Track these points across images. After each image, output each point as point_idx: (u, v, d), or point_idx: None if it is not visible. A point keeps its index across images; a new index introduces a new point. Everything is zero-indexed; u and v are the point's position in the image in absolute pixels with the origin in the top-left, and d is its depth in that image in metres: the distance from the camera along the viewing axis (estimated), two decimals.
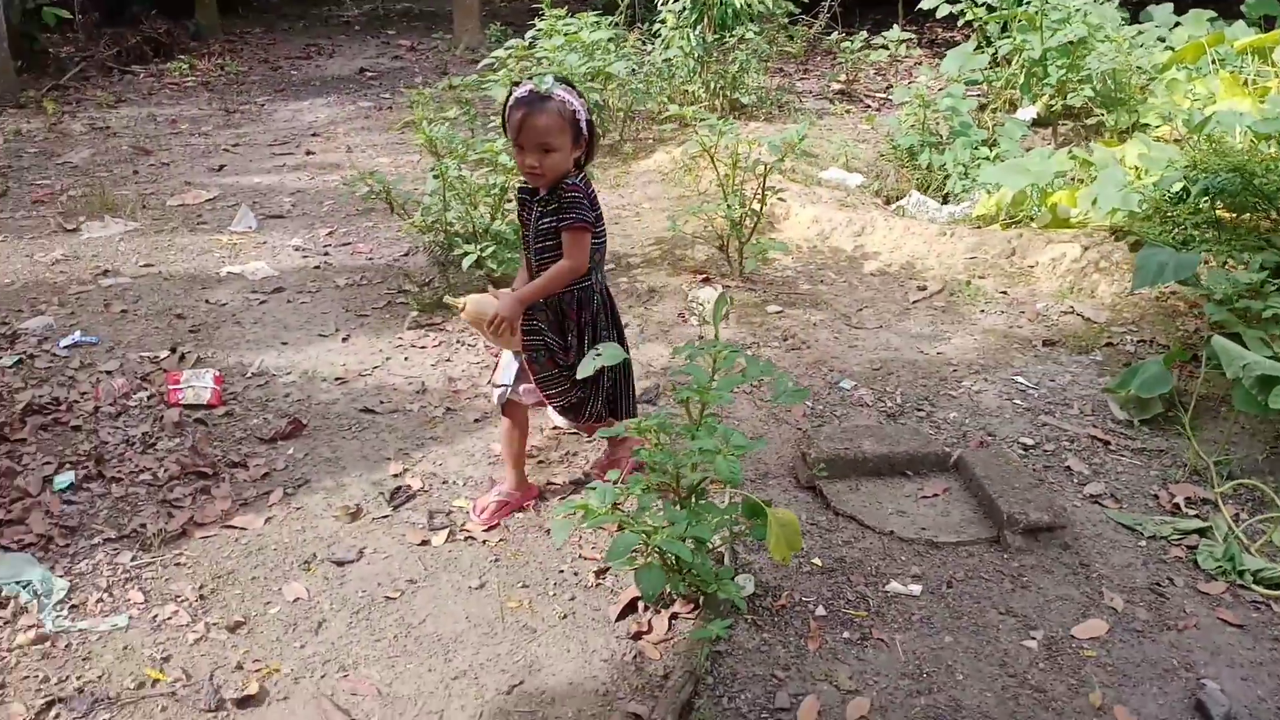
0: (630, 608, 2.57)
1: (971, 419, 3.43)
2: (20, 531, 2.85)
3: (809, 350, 3.91)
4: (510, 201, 4.51)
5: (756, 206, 4.40)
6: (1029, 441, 3.30)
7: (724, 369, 2.51)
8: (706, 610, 2.49)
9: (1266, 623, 2.56)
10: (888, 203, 5.65)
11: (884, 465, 3.08)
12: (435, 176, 4.11)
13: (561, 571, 2.73)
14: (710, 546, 2.56)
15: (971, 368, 3.78)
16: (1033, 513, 2.78)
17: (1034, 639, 2.47)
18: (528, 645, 2.46)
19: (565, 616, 2.55)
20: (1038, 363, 3.82)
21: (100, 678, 2.33)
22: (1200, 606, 2.61)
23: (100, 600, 2.59)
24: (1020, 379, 3.69)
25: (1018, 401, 3.54)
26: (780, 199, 4.67)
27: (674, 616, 2.52)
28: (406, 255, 4.98)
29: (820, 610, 2.55)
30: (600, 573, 2.71)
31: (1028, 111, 6.52)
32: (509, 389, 2.89)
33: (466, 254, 4.09)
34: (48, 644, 2.43)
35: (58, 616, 2.52)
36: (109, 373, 3.74)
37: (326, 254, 5.02)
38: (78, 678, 2.33)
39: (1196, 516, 2.96)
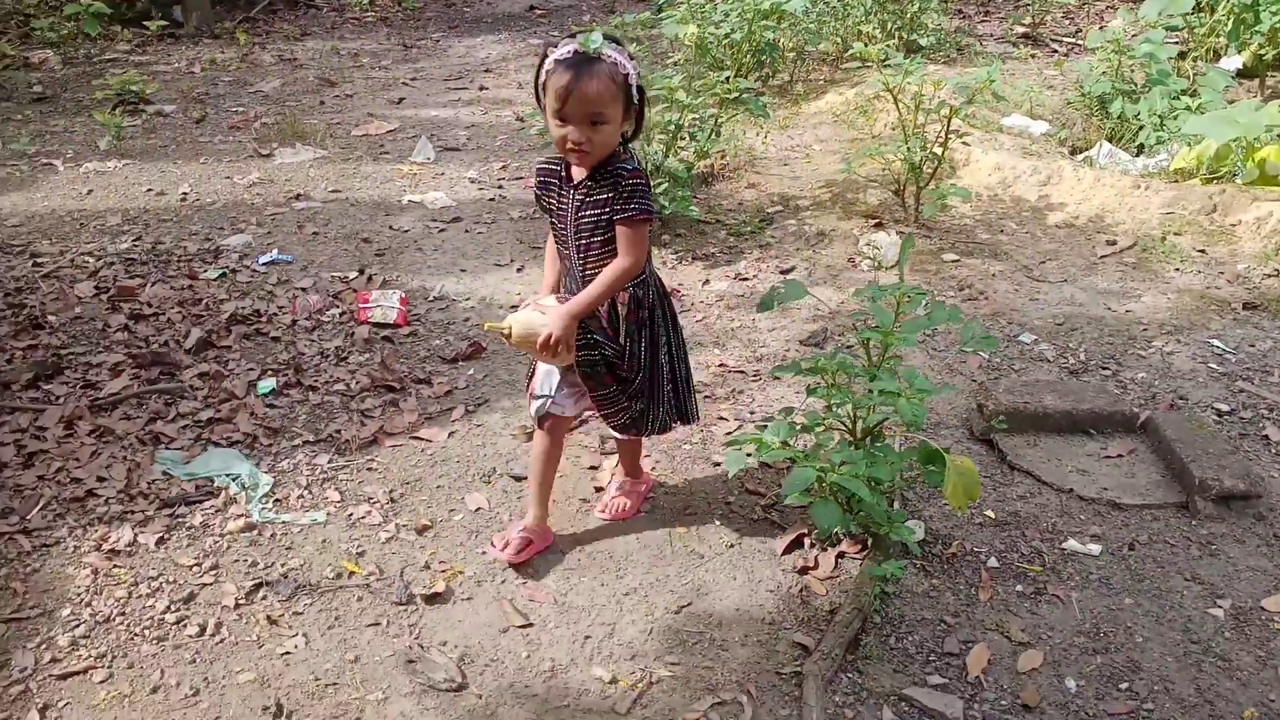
0: (796, 543, 2.59)
1: (1162, 380, 3.27)
2: (229, 430, 3.08)
3: (986, 301, 3.80)
4: (684, 139, 4.53)
5: (938, 150, 4.26)
6: (1224, 407, 3.13)
7: (906, 312, 2.48)
8: (875, 551, 2.49)
9: None
10: (1074, 153, 5.38)
11: (1066, 422, 2.98)
12: None
13: (728, 503, 2.77)
14: (882, 490, 2.55)
15: (1163, 328, 3.59)
16: (1227, 479, 2.65)
17: (1221, 608, 2.37)
18: (695, 570, 2.52)
19: (731, 546, 2.60)
20: (1236, 326, 3.61)
21: (302, 566, 2.52)
22: None
23: (301, 496, 2.78)
24: (1217, 342, 3.49)
25: (1213, 365, 3.36)
26: (964, 143, 4.51)
27: (841, 555, 2.53)
28: None
29: (992, 562, 2.51)
30: (767, 507, 2.74)
31: (1233, 61, 6.06)
32: (550, 400, 2.47)
33: None
34: (254, 532, 2.64)
35: (263, 509, 2.73)
36: (304, 289, 3.97)
37: (500, 187, 5.16)
38: (282, 565, 2.53)
39: None
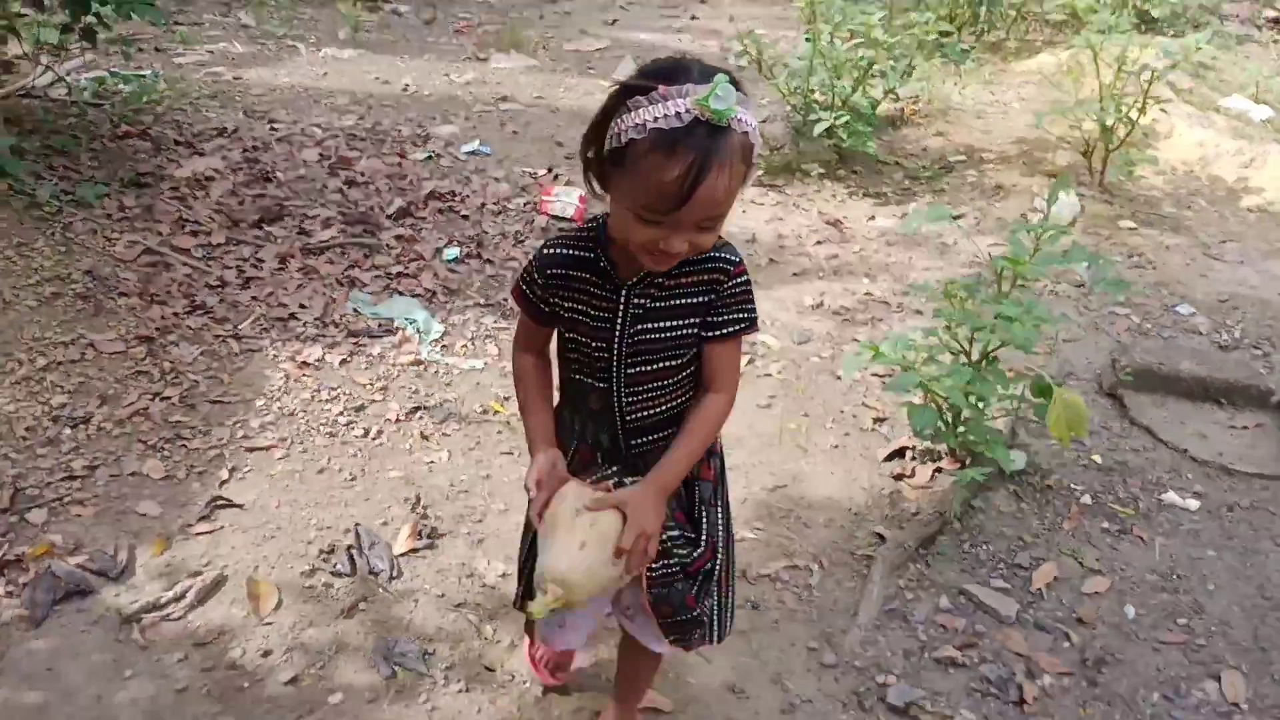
0: (898, 454, 2.74)
1: None
2: (413, 284, 3.48)
3: (1153, 271, 3.75)
4: (874, 76, 4.58)
5: (1133, 115, 4.17)
6: None
7: (1047, 248, 2.54)
8: (972, 470, 2.61)
9: None
10: None
11: (1197, 388, 2.97)
12: (808, 40, 4.27)
13: (842, 411, 2.94)
14: (990, 416, 2.65)
15: None
16: None
17: None
18: (797, 461, 2.71)
19: (836, 447, 2.78)
20: None
21: (456, 400, 2.88)
22: None
23: (465, 346, 3.15)
24: None
25: None
26: (1163, 110, 4.38)
27: (938, 470, 2.67)
28: (764, 122, 5.21)
29: (1086, 499, 2.59)
30: (878, 420, 2.89)
31: None
32: (557, 633, 1.68)
33: (820, 120, 4.25)
34: (421, 367, 3.02)
35: (431, 350, 3.11)
36: (496, 179, 4.34)
37: None
38: (439, 396, 2.89)
39: None
